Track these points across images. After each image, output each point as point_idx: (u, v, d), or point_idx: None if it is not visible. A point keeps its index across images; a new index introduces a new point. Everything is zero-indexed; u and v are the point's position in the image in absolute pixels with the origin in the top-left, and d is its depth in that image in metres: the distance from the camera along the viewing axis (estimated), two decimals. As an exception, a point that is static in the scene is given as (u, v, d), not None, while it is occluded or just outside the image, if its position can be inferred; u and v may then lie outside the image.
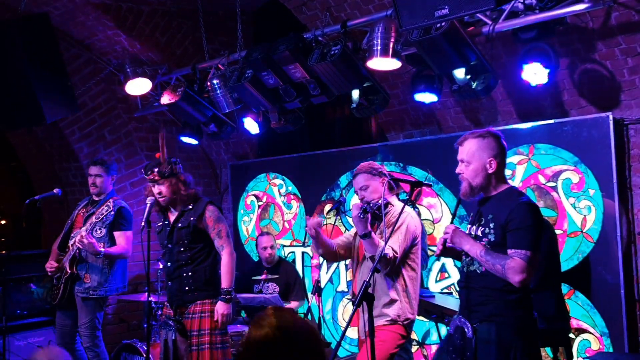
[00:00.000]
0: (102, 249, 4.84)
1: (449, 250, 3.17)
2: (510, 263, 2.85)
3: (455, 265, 5.04)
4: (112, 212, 4.94)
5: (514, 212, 2.91)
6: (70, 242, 4.97)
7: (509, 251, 2.89)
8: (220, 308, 4.23)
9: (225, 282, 4.25)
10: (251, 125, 5.47)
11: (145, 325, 4.64)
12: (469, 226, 3.18)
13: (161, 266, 5.00)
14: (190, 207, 4.34)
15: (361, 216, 3.53)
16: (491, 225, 2.98)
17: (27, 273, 5.94)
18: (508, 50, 4.49)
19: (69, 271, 4.91)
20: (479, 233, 3.04)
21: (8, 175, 8.95)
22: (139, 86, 5.61)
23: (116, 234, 5.04)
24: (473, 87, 4.06)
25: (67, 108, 4.96)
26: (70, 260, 4.93)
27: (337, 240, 4.11)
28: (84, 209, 5.18)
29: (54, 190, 5.20)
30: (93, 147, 6.28)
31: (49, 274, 5.04)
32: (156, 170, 4.27)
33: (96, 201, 5.15)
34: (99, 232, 4.96)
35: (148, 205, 4.24)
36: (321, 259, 5.98)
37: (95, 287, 4.94)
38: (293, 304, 5.59)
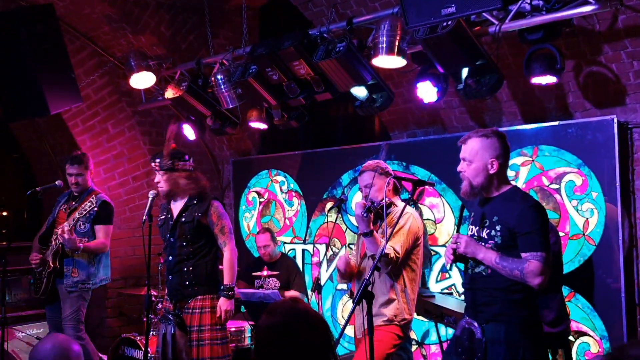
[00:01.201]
0: (81, 245, 4.87)
1: (459, 257, 3.13)
2: (529, 267, 2.84)
3: (456, 266, 5.02)
4: (96, 208, 4.94)
5: (523, 217, 2.90)
6: (53, 237, 4.99)
7: (524, 255, 2.88)
8: (223, 304, 4.22)
9: (227, 278, 4.25)
10: (258, 125, 5.49)
11: (145, 319, 4.64)
12: (470, 227, 3.16)
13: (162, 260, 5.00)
14: (195, 202, 4.33)
15: (364, 215, 3.53)
16: (497, 227, 2.96)
17: (27, 265, 5.94)
18: (514, 50, 4.48)
19: (52, 265, 4.94)
20: (484, 235, 3.02)
21: (10, 167, 8.92)
22: (143, 80, 5.60)
23: (96, 227, 5.05)
24: (478, 87, 4.05)
25: (71, 99, 4.95)
26: (53, 255, 4.95)
27: (354, 261, 4.06)
28: (66, 205, 5.18)
29: (56, 182, 5.21)
30: (96, 140, 6.27)
31: (33, 266, 5.08)
32: (158, 160, 4.29)
33: (77, 196, 5.15)
34: (82, 227, 4.98)
35: (150, 198, 4.23)
36: (322, 256, 6.00)
37: (84, 280, 4.98)
38: (293, 292, 5.58)
